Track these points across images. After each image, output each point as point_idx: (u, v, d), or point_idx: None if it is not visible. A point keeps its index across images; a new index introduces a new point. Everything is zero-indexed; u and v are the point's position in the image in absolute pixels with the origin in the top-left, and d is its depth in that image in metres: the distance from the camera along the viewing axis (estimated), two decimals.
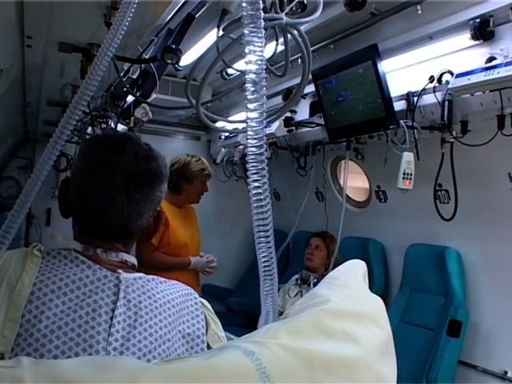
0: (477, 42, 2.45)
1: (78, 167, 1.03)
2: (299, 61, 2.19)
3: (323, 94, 3.30)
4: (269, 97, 3.76)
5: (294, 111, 3.88)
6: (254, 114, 0.79)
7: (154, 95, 2.55)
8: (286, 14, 1.20)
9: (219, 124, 2.61)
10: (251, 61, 0.79)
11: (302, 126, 3.81)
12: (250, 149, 0.79)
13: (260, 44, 0.79)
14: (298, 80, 1.41)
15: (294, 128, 3.86)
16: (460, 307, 3.08)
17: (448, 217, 2.84)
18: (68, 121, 1.03)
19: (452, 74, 2.58)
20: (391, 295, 3.72)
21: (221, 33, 1.40)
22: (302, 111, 3.82)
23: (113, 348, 0.87)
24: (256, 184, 0.79)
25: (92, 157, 1.01)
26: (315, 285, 3.08)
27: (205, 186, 3.25)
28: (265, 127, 0.80)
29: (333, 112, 3.29)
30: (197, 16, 2.16)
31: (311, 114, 3.71)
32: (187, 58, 3.07)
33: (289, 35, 1.26)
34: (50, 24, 1.82)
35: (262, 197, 0.79)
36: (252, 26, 0.78)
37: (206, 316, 1.04)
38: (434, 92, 2.66)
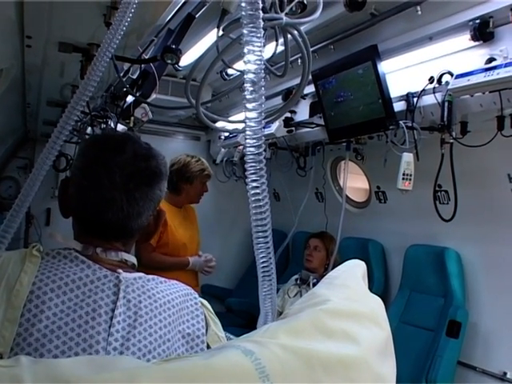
0: (476, 43, 2.45)
1: (78, 166, 1.02)
2: (299, 61, 2.20)
3: (323, 94, 3.30)
4: (269, 97, 3.76)
5: (293, 111, 3.88)
6: (253, 114, 0.79)
7: (153, 95, 2.55)
8: (286, 14, 1.20)
9: (219, 124, 2.61)
10: (250, 61, 0.79)
11: (301, 127, 3.81)
12: (248, 149, 0.79)
13: (259, 44, 0.79)
14: (297, 80, 1.41)
15: (293, 128, 3.86)
16: (459, 308, 3.08)
17: (448, 217, 2.84)
18: (67, 121, 1.03)
19: (452, 74, 2.58)
20: (391, 296, 3.72)
21: (221, 33, 1.41)
22: (302, 112, 3.82)
23: (113, 348, 0.87)
24: (254, 184, 0.79)
25: (91, 156, 1.01)
26: (315, 285, 3.07)
27: (205, 186, 3.25)
28: (264, 127, 0.80)
29: (333, 112, 3.29)
30: (197, 16, 2.16)
31: (311, 115, 3.71)
32: (187, 58, 3.07)
33: (289, 35, 1.26)
34: (50, 24, 1.82)
35: (260, 197, 0.79)
36: (251, 25, 0.79)
37: (205, 316, 1.04)
38: (434, 93, 2.66)
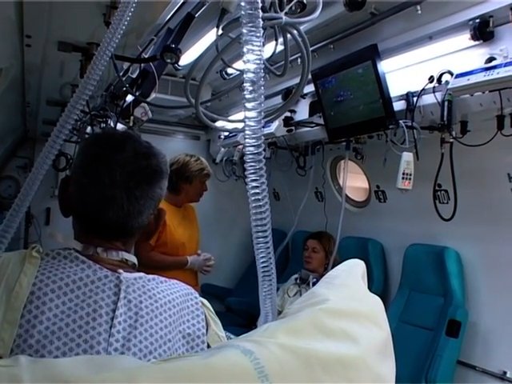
0: (476, 43, 2.45)
1: (78, 165, 1.02)
2: (299, 60, 2.19)
3: (323, 93, 3.30)
4: (268, 96, 3.76)
5: (293, 111, 3.88)
6: (252, 113, 0.79)
7: (153, 94, 2.55)
8: (286, 13, 1.20)
9: (219, 123, 2.61)
10: (249, 60, 0.79)
11: (301, 126, 3.81)
12: (248, 148, 0.79)
13: (258, 43, 0.79)
14: (297, 80, 1.41)
15: (293, 128, 3.86)
16: (459, 307, 3.08)
17: (447, 217, 2.84)
18: (66, 120, 1.03)
19: (452, 74, 2.58)
20: (390, 295, 3.72)
21: (220, 32, 1.41)
22: (302, 111, 3.82)
23: (114, 349, 0.87)
24: (254, 184, 0.79)
25: (92, 154, 1.01)
26: (314, 284, 3.07)
27: (204, 185, 3.24)
28: (264, 127, 0.80)
29: (332, 112, 3.29)
30: (196, 15, 2.16)
31: (311, 114, 3.71)
32: (187, 58, 3.06)
33: (288, 35, 1.26)
34: (50, 23, 1.82)
35: (260, 197, 0.79)
36: (250, 25, 0.78)
37: (206, 316, 1.04)
38: (434, 92, 2.66)
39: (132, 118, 3.05)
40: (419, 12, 2.47)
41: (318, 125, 3.59)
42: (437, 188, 2.93)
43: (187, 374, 0.60)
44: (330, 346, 0.69)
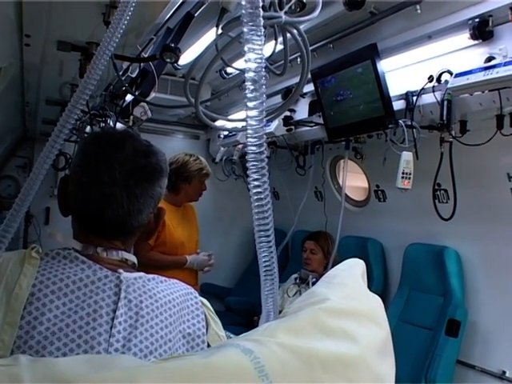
0: (476, 42, 2.45)
1: (77, 163, 1.02)
2: (298, 60, 2.19)
3: (322, 93, 3.30)
4: (268, 96, 3.71)
5: (293, 110, 3.88)
6: (254, 113, 0.78)
7: (152, 94, 2.55)
8: (285, 12, 1.20)
9: (218, 123, 2.61)
10: (251, 59, 0.79)
11: (301, 125, 3.81)
12: (249, 147, 0.78)
13: (259, 42, 0.79)
14: (297, 79, 1.41)
15: (293, 127, 3.86)
16: (459, 307, 3.08)
17: (447, 216, 2.84)
18: (67, 119, 1.03)
19: (451, 73, 2.58)
20: (390, 295, 3.72)
21: (220, 31, 1.40)
22: (301, 110, 3.82)
23: (114, 349, 0.86)
24: (256, 183, 0.79)
25: (91, 152, 1.00)
26: (314, 284, 3.07)
27: (203, 185, 3.24)
28: (264, 126, 0.80)
29: (332, 111, 3.29)
30: (196, 15, 2.16)
31: (310, 113, 3.71)
32: (186, 57, 3.07)
33: (288, 34, 1.26)
34: (49, 23, 1.81)
35: (262, 196, 0.79)
36: (251, 24, 0.78)
37: (206, 315, 1.04)
38: (433, 91, 2.66)
39: (131, 117, 3.04)
40: (419, 11, 2.47)
41: (317, 124, 3.59)
42: (436, 187, 2.94)
43: (187, 374, 0.60)
44: (330, 345, 0.69)
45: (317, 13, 1.22)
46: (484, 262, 3.11)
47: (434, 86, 2.67)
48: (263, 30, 0.80)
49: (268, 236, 0.80)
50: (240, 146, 4.39)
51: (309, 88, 3.42)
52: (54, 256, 0.95)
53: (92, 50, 1.96)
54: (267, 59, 1.48)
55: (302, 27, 1.26)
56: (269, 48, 1.49)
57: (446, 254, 3.21)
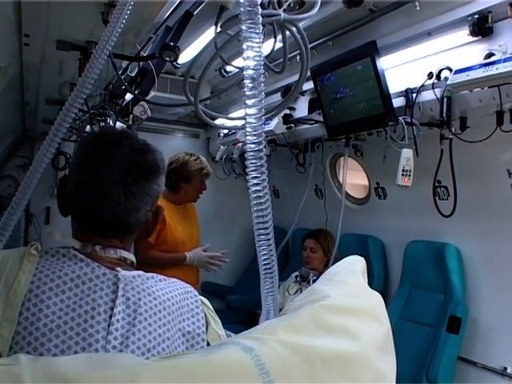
0: (475, 38, 2.44)
1: (76, 162, 1.03)
2: (298, 58, 2.19)
3: (322, 90, 3.30)
4: (267, 94, 3.72)
5: (292, 108, 3.87)
6: (253, 110, 0.78)
7: (152, 93, 2.55)
8: (284, 10, 1.20)
9: (218, 121, 2.61)
10: (249, 57, 0.79)
11: (300, 123, 3.80)
12: (248, 145, 0.78)
13: (258, 40, 0.79)
14: (296, 77, 1.41)
15: (292, 125, 3.86)
16: (459, 304, 3.08)
17: (447, 213, 2.84)
18: (64, 118, 1.03)
19: (451, 70, 2.57)
20: (391, 292, 3.72)
21: (219, 30, 1.40)
22: (301, 108, 3.82)
23: (112, 346, 0.87)
24: (255, 181, 0.79)
25: (89, 151, 1.01)
26: (315, 282, 3.07)
27: (203, 184, 3.23)
28: (263, 124, 0.80)
29: (332, 109, 3.29)
30: (195, 13, 2.16)
31: (310, 111, 3.71)
32: (186, 56, 3.06)
33: (287, 32, 1.26)
34: (48, 22, 1.81)
35: (261, 194, 0.79)
36: (250, 21, 0.78)
37: (206, 314, 1.04)
38: (433, 88, 2.66)
39: (131, 116, 3.04)
40: (418, 8, 2.46)
41: (317, 122, 3.59)
42: (436, 184, 2.93)
43: (188, 372, 0.60)
44: (331, 343, 0.69)
45: (316, 10, 1.22)
46: (485, 259, 3.11)
47: (433, 83, 2.67)
48: (262, 28, 0.79)
49: (267, 234, 0.80)
50: (240, 145, 4.39)
51: (308, 86, 3.41)
52: (53, 254, 0.96)
53: (91, 49, 1.95)
54: (266, 57, 1.48)
55: (301, 25, 1.26)
56: (268, 46, 1.49)
57: (447, 251, 3.21)
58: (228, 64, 1.80)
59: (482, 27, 2.37)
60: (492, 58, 2.33)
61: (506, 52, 2.31)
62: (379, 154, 3.18)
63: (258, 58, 0.79)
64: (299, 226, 4.48)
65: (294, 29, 1.25)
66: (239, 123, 2.16)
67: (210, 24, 2.58)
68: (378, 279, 3.78)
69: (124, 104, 3.05)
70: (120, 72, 2.44)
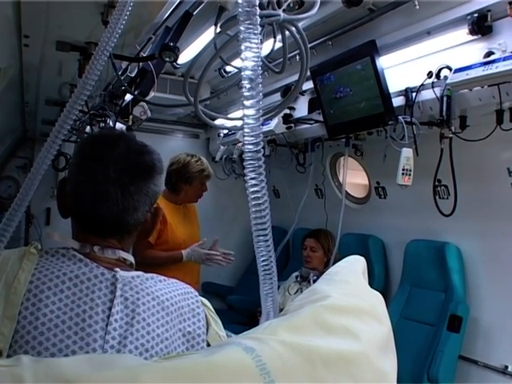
0: (475, 37, 2.44)
1: (74, 163, 1.03)
2: (297, 57, 2.19)
3: (322, 90, 3.30)
4: (267, 94, 3.76)
5: (292, 108, 3.87)
6: (251, 111, 0.79)
7: (152, 93, 2.55)
8: (284, 10, 1.20)
9: (218, 122, 2.61)
10: (247, 57, 0.79)
11: (300, 123, 3.80)
12: (246, 146, 0.79)
13: (256, 41, 0.79)
14: (296, 77, 1.41)
15: (292, 125, 3.85)
16: (460, 303, 3.08)
17: (447, 212, 2.84)
18: (65, 119, 1.03)
19: (450, 69, 2.57)
20: (391, 291, 3.72)
21: (218, 30, 1.41)
22: (301, 108, 3.82)
23: (110, 346, 0.87)
24: (253, 182, 0.79)
25: (86, 152, 1.02)
26: (315, 282, 3.07)
27: (204, 186, 3.22)
28: (263, 124, 0.80)
29: (331, 108, 3.29)
30: (194, 14, 2.16)
31: (310, 111, 3.71)
32: (185, 56, 3.07)
33: (287, 32, 1.26)
34: (48, 23, 1.82)
35: (259, 195, 0.79)
36: (248, 22, 0.78)
37: (206, 315, 1.04)
38: (433, 87, 2.66)
39: (131, 117, 3.04)
40: (417, 7, 2.46)
41: (317, 121, 3.59)
42: (437, 183, 2.94)
43: (189, 372, 0.61)
44: (332, 343, 0.69)
45: (315, 10, 1.22)
46: (485, 258, 3.11)
47: (433, 82, 2.67)
48: (261, 29, 0.80)
49: (266, 235, 0.80)
50: (240, 145, 4.39)
51: (308, 85, 3.41)
52: (53, 254, 0.96)
53: (91, 50, 1.96)
54: (266, 57, 1.48)
55: (300, 25, 1.27)
56: (268, 46, 1.49)
57: (447, 250, 3.21)
58: (228, 64, 1.80)
59: (481, 26, 2.36)
60: (491, 57, 2.33)
61: (506, 50, 2.31)
62: (379, 153, 3.18)
63: (256, 59, 0.79)
64: (299, 225, 4.48)
65: (293, 29, 1.25)
66: (239, 123, 2.16)
67: (210, 24, 2.58)
68: (378, 279, 3.78)
69: (124, 105, 3.05)
70: (120, 73, 2.44)
